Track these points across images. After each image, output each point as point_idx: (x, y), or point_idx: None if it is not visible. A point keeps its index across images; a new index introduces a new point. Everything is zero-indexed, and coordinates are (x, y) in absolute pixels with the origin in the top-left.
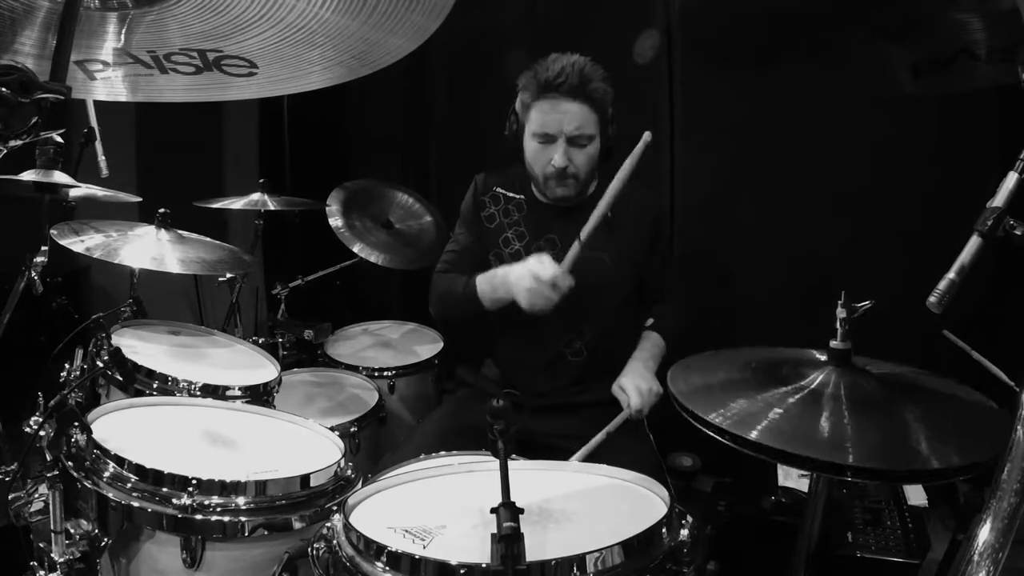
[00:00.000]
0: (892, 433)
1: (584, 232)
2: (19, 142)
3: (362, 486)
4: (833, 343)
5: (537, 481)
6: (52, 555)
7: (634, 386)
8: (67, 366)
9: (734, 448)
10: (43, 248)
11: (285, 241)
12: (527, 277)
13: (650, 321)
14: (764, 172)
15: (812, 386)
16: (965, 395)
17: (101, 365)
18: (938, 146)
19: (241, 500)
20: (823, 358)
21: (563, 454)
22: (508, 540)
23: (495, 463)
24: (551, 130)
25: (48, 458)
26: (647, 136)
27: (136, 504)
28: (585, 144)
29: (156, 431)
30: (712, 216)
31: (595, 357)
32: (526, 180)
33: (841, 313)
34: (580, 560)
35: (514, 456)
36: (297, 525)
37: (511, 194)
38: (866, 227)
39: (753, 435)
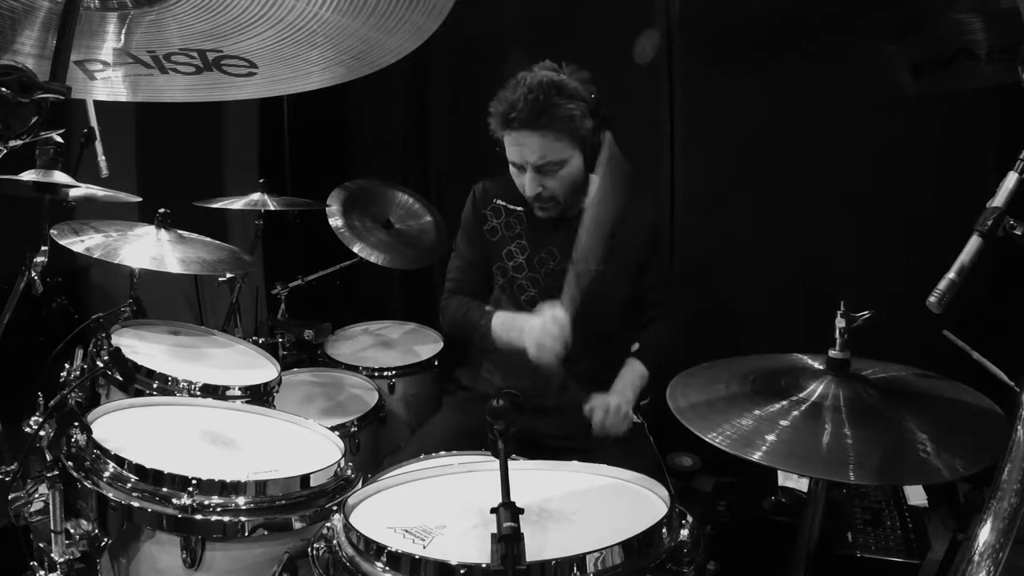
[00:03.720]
0: (894, 446)
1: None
2: (19, 142)
3: (362, 486)
4: (832, 352)
5: (537, 481)
6: (52, 555)
7: (602, 403)
8: (67, 366)
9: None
10: (43, 248)
11: (285, 241)
12: (538, 332)
13: (635, 347)
14: (764, 172)
15: (812, 399)
16: (966, 398)
17: (101, 365)
18: (938, 146)
19: (241, 500)
20: (821, 367)
21: (563, 454)
22: (508, 540)
23: (495, 463)
24: (517, 160)
25: (48, 458)
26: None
27: (136, 504)
28: (555, 170)
29: (156, 431)
30: (712, 216)
31: (595, 360)
32: None
33: (840, 323)
34: (580, 560)
35: (514, 456)
36: (297, 525)
37: (512, 206)
38: (866, 227)
39: (756, 456)
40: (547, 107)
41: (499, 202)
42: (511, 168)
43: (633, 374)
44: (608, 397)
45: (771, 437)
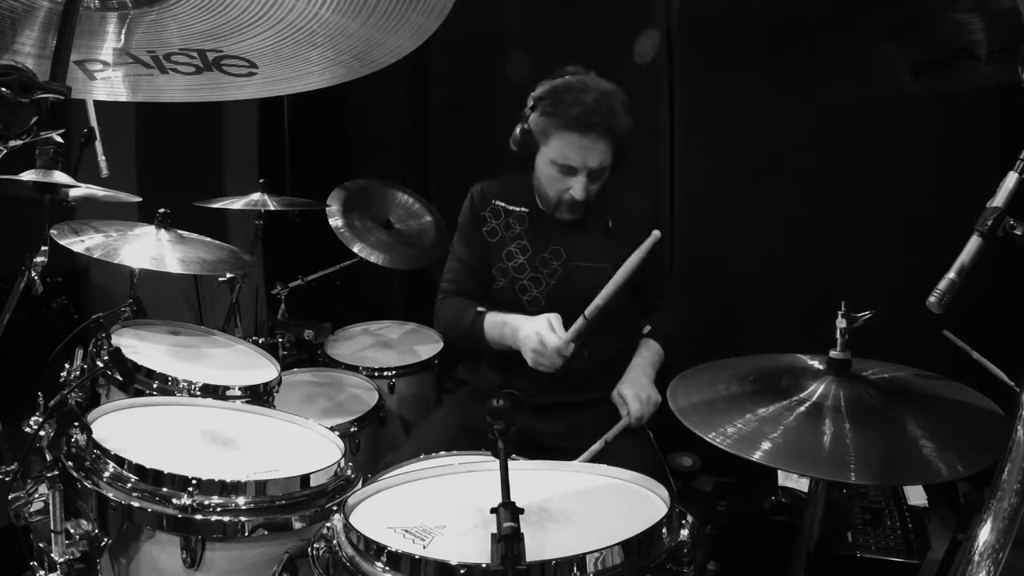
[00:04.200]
0: (894, 445)
1: (590, 311)
2: (19, 142)
3: (362, 486)
4: (833, 353)
5: (537, 481)
6: (52, 555)
7: (634, 395)
8: (67, 366)
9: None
10: (43, 248)
11: (285, 241)
12: (534, 339)
13: (647, 328)
14: (764, 172)
15: (813, 398)
16: (967, 398)
17: (101, 365)
18: (938, 146)
19: (241, 500)
20: (822, 367)
21: (563, 454)
22: (508, 540)
23: (495, 463)
24: (574, 163)
25: (48, 458)
26: (656, 235)
27: (136, 504)
28: (603, 176)
29: (156, 431)
30: (712, 216)
31: (595, 359)
32: (527, 190)
33: (841, 323)
34: (580, 560)
35: (514, 456)
36: (297, 525)
37: (512, 207)
38: (866, 227)
39: (756, 456)
40: (617, 113)
41: (498, 203)
42: (549, 169)
43: (651, 354)
44: (636, 388)
45: (772, 436)
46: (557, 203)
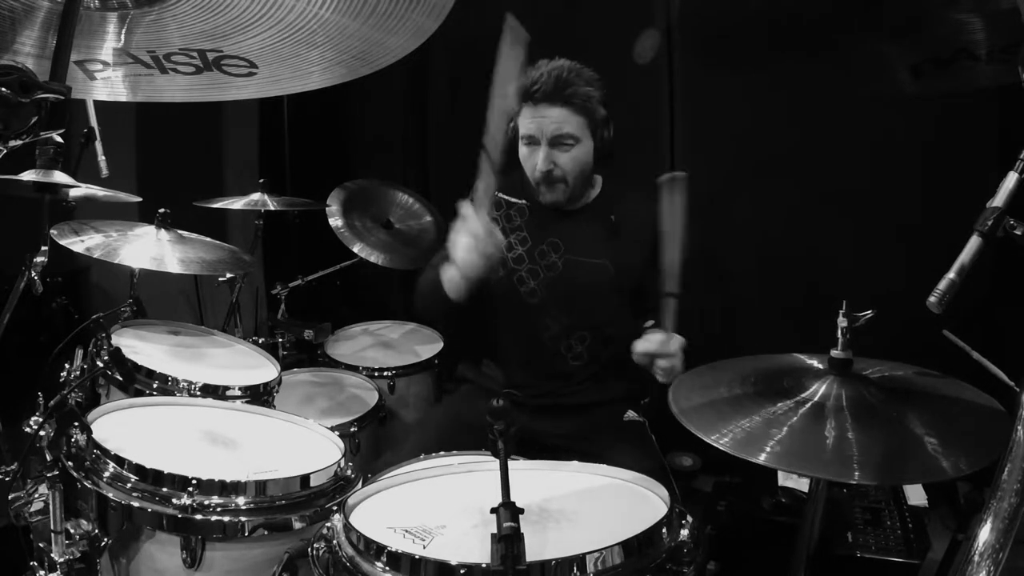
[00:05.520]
0: (898, 444)
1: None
2: (19, 142)
3: (362, 486)
4: (834, 352)
5: (537, 481)
6: (52, 555)
7: (662, 344)
8: (67, 366)
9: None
10: (43, 248)
11: (285, 241)
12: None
13: (650, 323)
14: (764, 172)
15: (814, 399)
16: (968, 395)
17: (101, 365)
18: (938, 146)
19: (241, 500)
20: (823, 367)
21: (564, 454)
22: (508, 540)
23: (495, 463)
24: (533, 132)
25: (48, 458)
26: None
27: (136, 504)
28: (569, 145)
29: (156, 431)
30: (712, 216)
31: (594, 359)
32: (528, 184)
33: (842, 322)
34: (580, 560)
35: (514, 456)
36: (297, 525)
37: (513, 199)
38: (866, 227)
39: (761, 458)
40: (568, 84)
41: (500, 195)
42: (522, 149)
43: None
44: (663, 338)
45: (775, 438)
46: (536, 183)
